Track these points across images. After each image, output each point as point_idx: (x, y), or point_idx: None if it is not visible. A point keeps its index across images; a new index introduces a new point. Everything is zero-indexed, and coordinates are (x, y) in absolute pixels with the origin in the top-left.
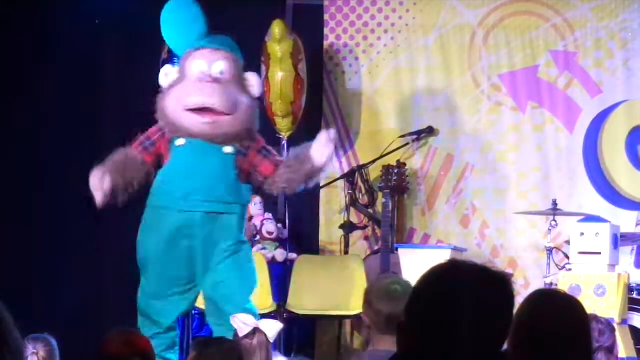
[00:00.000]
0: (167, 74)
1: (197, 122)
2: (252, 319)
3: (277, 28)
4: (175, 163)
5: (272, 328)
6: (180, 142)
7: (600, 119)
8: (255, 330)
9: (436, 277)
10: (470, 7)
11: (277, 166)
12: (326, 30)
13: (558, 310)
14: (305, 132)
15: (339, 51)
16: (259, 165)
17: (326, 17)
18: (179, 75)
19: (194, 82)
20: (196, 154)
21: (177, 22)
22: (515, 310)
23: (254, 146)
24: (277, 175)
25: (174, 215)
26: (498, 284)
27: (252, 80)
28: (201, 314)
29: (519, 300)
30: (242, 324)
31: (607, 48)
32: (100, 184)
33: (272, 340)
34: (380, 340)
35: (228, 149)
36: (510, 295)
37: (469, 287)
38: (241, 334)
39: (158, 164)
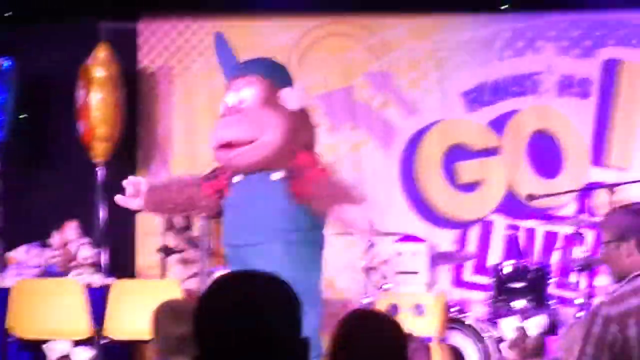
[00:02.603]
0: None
1: (224, 159)
2: (65, 346)
3: (101, 52)
4: (227, 200)
5: (83, 356)
6: (236, 178)
7: (416, 138)
8: (63, 359)
9: (216, 293)
10: (286, 29)
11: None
12: (140, 54)
13: (372, 331)
14: (121, 157)
15: (154, 74)
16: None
17: (140, 40)
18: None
19: (220, 118)
20: (246, 188)
21: (217, 58)
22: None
23: (304, 170)
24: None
25: (229, 253)
26: (283, 292)
27: (287, 95)
28: (18, 342)
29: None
30: (51, 350)
31: (421, 68)
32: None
33: None
34: None
35: (275, 175)
36: (291, 301)
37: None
38: None
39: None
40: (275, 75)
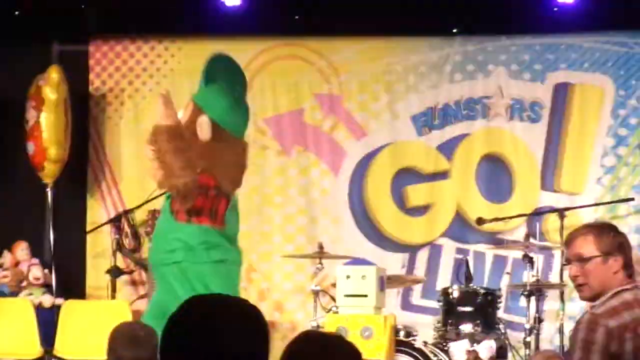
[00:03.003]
0: None
1: None
2: None
3: (54, 73)
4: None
5: None
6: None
7: (366, 161)
8: None
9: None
10: (236, 51)
11: None
12: (91, 76)
13: (319, 352)
14: (71, 178)
15: (105, 96)
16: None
17: (91, 62)
18: None
19: None
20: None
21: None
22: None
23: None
24: None
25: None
26: (248, 316)
27: (201, 123)
28: None
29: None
30: None
31: (371, 91)
32: None
33: None
34: None
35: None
36: (260, 326)
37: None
38: None
39: None
40: (198, 100)
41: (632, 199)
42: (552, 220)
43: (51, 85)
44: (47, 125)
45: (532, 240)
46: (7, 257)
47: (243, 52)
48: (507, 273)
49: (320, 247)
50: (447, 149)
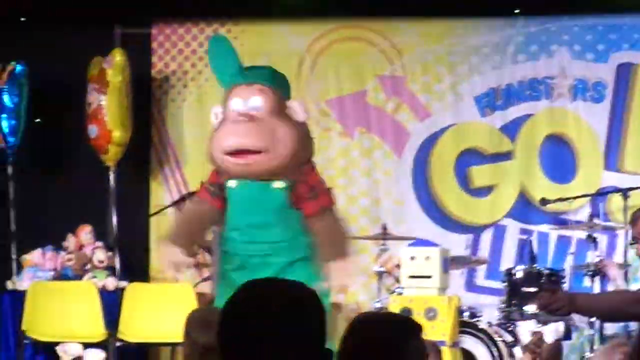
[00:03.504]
0: (216, 115)
1: (234, 165)
2: (77, 348)
3: (118, 56)
4: (231, 206)
5: (95, 358)
6: (231, 183)
7: (429, 143)
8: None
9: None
10: (298, 33)
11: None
12: (154, 58)
13: (372, 332)
14: (134, 161)
15: (168, 79)
16: (303, 205)
17: (154, 45)
18: (222, 116)
19: (230, 124)
20: (245, 195)
21: (213, 62)
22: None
23: (303, 180)
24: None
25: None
26: (308, 300)
27: (295, 107)
28: (33, 344)
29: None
30: (64, 353)
31: (435, 72)
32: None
33: None
34: None
35: (278, 184)
36: (315, 309)
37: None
38: None
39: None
40: (280, 85)
41: None
42: (615, 200)
43: (115, 68)
44: (110, 108)
45: (595, 220)
46: (71, 241)
47: (305, 34)
48: (571, 253)
49: (384, 228)
50: (511, 129)
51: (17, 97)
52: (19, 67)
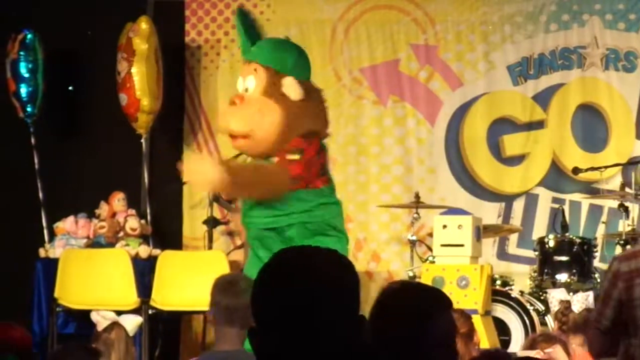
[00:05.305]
0: None
1: (233, 146)
2: (112, 314)
3: (144, 24)
4: None
5: (132, 323)
6: (242, 159)
7: (462, 111)
8: (114, 325)
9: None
10: (331, 1)
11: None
12: (187, 26)
13: (403, 300)
14: (165, 128)
15: (201, 47)
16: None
17: (187, 12)
18: None
19: (227, 105)
20: None
21: (239, 34)
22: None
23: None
24: None
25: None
26: (341, 268)
27: (290, 85)
28: (66, 311)
29: None
30: (101, 318)
31: (467, 41)
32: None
33: (131, 334)
34: (221, 338)
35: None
36: (354, 275)
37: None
38: (100, 328)
39: None
40: (280, 62)
41: None
42: None
43: (141, 37)
44: (139, 77)
45: (627, 189)
46: (103, 208)
47: (338, 2)
48: (603, 222)
49: (417, 196)
50: (543, 98)
51: (32, 63)
52: (29, 36)
